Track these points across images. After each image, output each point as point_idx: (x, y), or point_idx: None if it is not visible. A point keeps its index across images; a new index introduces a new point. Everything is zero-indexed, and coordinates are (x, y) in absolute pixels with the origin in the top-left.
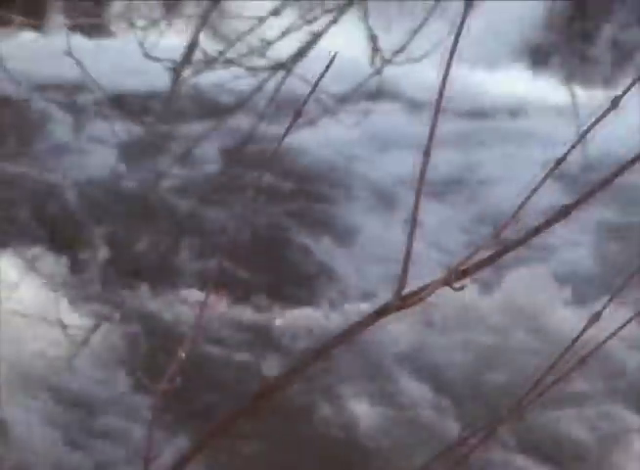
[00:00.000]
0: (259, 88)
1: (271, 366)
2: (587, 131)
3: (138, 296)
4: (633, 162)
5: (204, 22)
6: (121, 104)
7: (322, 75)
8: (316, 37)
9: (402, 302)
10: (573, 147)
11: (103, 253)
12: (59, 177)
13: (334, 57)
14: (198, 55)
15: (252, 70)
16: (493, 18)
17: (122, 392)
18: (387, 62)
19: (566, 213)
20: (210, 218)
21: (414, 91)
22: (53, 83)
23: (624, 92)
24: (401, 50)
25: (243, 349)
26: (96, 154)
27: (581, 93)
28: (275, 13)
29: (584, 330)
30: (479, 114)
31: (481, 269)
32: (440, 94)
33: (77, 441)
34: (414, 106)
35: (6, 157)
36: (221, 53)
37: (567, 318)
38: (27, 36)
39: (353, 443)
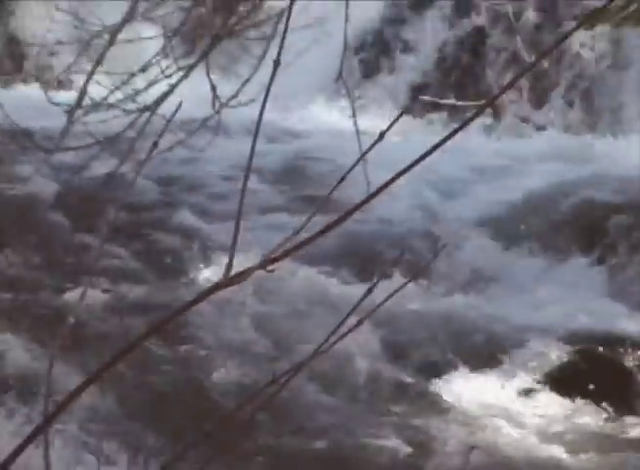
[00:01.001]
0: (131, 125)
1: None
2: (363, 155)
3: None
4: (397, 176)
5: (89, 77)
6: (30, 137)
7: (172, 116)
8: (172, 88)
9: (229, 281)
10: (352, 168)
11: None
12: None
13: (180, 103)
14: (87, 100)
15: (127, 111)
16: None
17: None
18: (223, 105)
19: (349, 214)
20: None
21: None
22: None
23: (389, 127)
24: (234, 96)
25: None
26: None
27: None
28: (142, 70)
29: (362, 299)
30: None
31: (289, 256)
32: (258, 126)
33: None
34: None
35: None
36: (104, 99)
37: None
38: None
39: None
